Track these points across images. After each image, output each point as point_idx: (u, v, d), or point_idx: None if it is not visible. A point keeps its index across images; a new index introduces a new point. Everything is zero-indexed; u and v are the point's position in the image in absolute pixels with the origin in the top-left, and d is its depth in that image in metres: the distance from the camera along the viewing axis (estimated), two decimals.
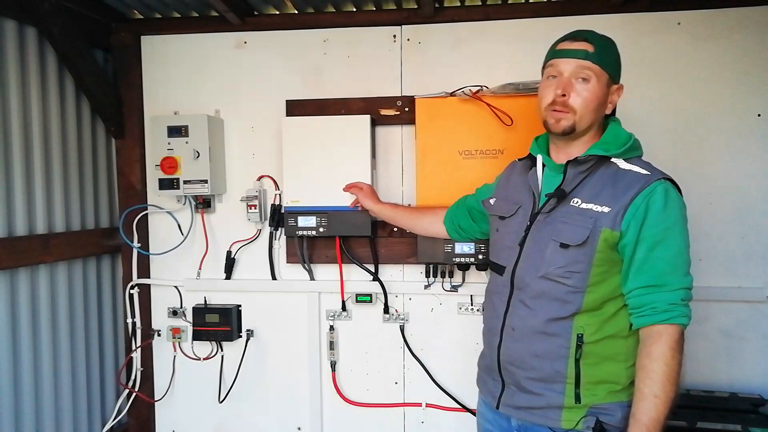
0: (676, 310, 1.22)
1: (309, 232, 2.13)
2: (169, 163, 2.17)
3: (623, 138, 1.34)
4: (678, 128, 2.07)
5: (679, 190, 1.30)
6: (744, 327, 2.08)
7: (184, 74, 2.32)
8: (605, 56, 1.31)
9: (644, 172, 1.28)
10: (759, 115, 2.03)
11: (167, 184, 2.19)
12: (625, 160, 1.32)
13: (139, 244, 2.35)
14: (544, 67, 1.39)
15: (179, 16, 2.34)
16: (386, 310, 2.25)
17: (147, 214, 2.38)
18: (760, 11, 2.01)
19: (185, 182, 2.18)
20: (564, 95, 1.29)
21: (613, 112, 1.40)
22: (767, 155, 2.04)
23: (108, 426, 2.36)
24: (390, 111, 2.18)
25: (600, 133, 1.38)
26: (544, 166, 1.40)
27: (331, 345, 2.30)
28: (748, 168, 2.05)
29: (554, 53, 1.35)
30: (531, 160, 1.45)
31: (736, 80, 2.04)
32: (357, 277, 2.25)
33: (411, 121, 2.14)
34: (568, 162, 1.33)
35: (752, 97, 2.03)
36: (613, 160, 1.32)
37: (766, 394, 2.01)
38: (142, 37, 2.33)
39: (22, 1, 1.90)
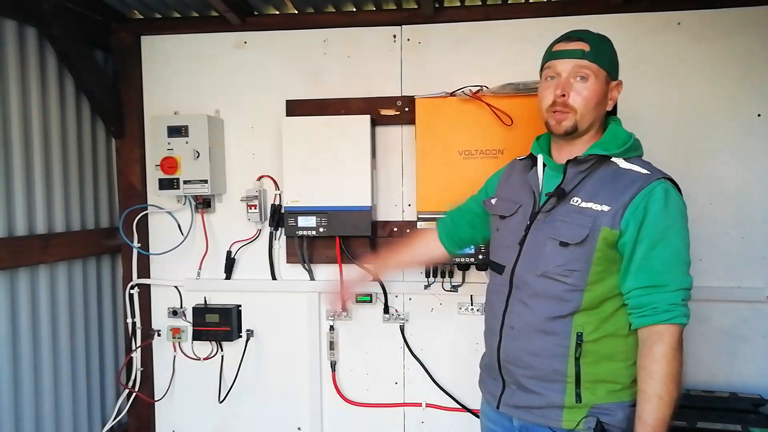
0: (677, 310, 1.22)
1: (309, 232, 2.13)
2: (169, 163, 2.17)
3: (623, 137, 1.34)
4: (678, 128, 2.07)
5: (679, 190, 1.30)
6: (744, 327, 2.08)
7: (184, 74, 2.32)
8: (601, 54, 1.32)
9: (644, 171, 1.28)
10: (759, 115, 2.03)
11: (167, 184, 2.19)
12: (625, 159, 1.32)
13: (139, 244, 2.35)
14: (542, 70, 1.40)
15: (179, 16, 2.34)
16: (386, 310, 2.25)
17: (147, 214, 2.38)
18: (760, 11, 2.01)
19: (185, 182, 2.18)
20: (563, 95, 1.30)
21: (615, 109, 1.41)
22: (767, 155, 2.04)
23: (108, 426, 2.36)
24: (390, 111, 2.18)
25: (601, 132, 1.38)
26: (544, 165, 1.40)
27: (331, 345, 2.30)
28: (748, 168, 2.05)
29: (551, 55, 1.36)
30: (532, 159, 1.45)
31: (736, 80, 2.04)
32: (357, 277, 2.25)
33: (411, 121, 2.14)
34: (568, 161, 1.33)
35: (752, 97, 2.03)
36: (613, 159, 1.32)
37: (766, 394, 2.01)
38: (142, 37, 2.33)
39: (22, 1, 1.90)
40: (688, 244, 1.26)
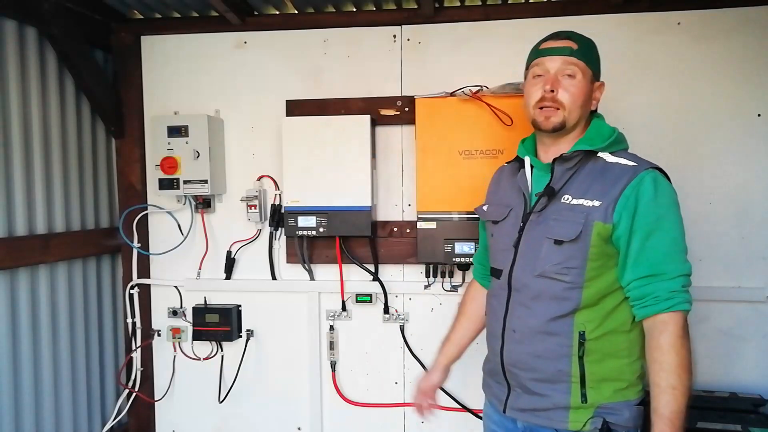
0: (678, 296, 1.21)
1: (309, 232, 2.13)
2: (169, 163, 2.17)
3: (606, 132, 1.36)
4: (678, 128, 2.07)
5: (668, 178, 1.30)
6: (744, 327, 2.08)
7: (184, 74, 2.32)
8: (588, 53, 1.35)
9: (631, 163, 1.29)
10: (759, 115, 2.03)
11: (167, 184, 2.19)
12: (611, 153, 1.33)
13: (139, 244, 2.35)
14: (528, 68, 1.42)
15: (179, 16, 2.34)
16: (386, 310, 2.25)
17: (147, 214, 2.38)
18: (760, 11, 2.01)
19: (185, 182, 2.18)
20: (553, 91, 1.31)
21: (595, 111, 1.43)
22: (767, 155, 2.04)
23: (108, 426, 2.36)
24: (390, 111, 2.18)
25: (586, 130, 1.39)
26: (532, 167, 1.41)
27: (331, 345, 2.30)
28: (748, 168, 2.05)
29: (539, 52, 1.38)
30: (519, 162, 1.46)
31: (736, 80, 2.03)
32: (357, 277, 2.25)
33: (411, 121, 2.14)
34: (555, 159, 1.35)
35: (752, 97, 2.03)
36: (599, 154, 1.33)
37: (766, 394, 2.01)
38: (142, 37, 2.33)
39: (22, 1, 1.90)
40: (682, 231, 1.26)
